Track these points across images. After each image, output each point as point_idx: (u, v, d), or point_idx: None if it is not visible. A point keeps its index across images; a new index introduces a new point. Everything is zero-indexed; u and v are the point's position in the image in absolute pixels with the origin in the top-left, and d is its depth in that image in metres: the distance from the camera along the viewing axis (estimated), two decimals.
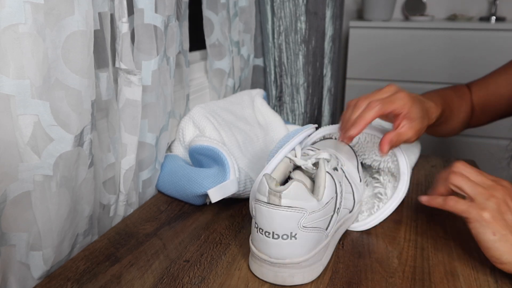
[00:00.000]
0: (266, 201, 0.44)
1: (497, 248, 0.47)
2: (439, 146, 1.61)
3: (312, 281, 0.48)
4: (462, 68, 1.56)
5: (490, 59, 1.50)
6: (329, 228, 0.48)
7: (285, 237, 0.44)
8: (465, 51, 1.56)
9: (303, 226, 0.44)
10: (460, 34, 1.58)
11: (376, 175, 0.67)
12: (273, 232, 0.44)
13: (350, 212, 0.55)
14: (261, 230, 0.45)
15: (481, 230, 0.48)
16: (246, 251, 0.54)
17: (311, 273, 0.47)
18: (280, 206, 0.43)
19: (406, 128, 0.55)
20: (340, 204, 0.50)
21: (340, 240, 0.57)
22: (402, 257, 0.53)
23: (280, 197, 0.43)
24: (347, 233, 0.58)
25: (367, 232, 0.59)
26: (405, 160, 0.61)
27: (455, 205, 0.50)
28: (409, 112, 0.55)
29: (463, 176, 0.51)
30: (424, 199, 0.53)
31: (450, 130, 0.78)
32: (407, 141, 0.56)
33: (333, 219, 0.48)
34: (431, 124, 0.63)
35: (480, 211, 0.48)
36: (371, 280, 0.48)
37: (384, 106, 0.55)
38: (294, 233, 0.44)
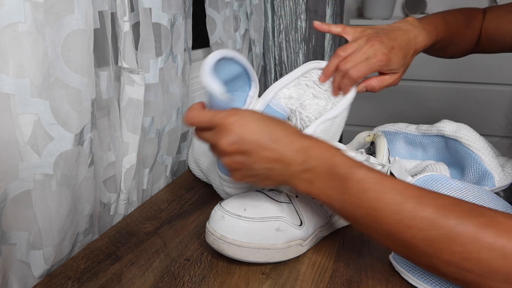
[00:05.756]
0: None
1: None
2: None
3: (313, 280, 0.48)
4: (462, 66, 1.56)
5: (490, 58, 1.50)
6: None
7: None
8: None
9: None
10: None
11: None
12: None
13: None
14: None
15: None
16: None
17: None
18: None
19: (388, 78, 0.62)
20: None
21: (340, 238, 0.57)
22: None
23: None
24: (347, 231, 0.58)
25: None
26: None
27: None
28: (389, 66, 0.60)
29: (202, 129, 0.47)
30: None
31: (450, 55, 0.78)
32: (391, 85, 0.63)
33: None
34: (423, 50, 0.66)
35: (233, 176, 0.46)
36: (371, 278, 0.48)
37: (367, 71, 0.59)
38: None
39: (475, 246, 0.36)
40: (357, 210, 0.41)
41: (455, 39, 0.72)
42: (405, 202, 0.39)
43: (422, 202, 0.39)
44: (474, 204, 0.39)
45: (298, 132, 0.45)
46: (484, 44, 0.76)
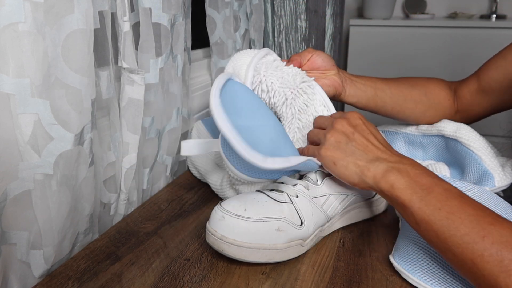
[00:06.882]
0: None
1: (343, 174, 0.50)
2: None
3: (313, 280, 0.48)
4: (462, 66, 1.56)
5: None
6: None
7: None
8: (466, 49, 1.56)
9: None
10: (460, 32, 1.58)
11: None
12: None
13: None
14: None
15: (326, 165, 0.51)
16: None
17: None
18: None
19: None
20: None
21: (340, 238, 0.57)
22: None
23: None
24: (347, 231, 0.58)
25: (368, 230, 0.59)
26: None
27: (309, 151, 0.54)
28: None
29: (315, 128, 0.57)
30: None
31: (399, 117, 0.73)
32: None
33: None
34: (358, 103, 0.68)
35: (320, 150, 0.52)
36: (371, 278, 0.48)
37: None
38: None
39: None
40: (436, 213, 0.42)
41: (388, 104, 0.70)
42: (485, 215, 0.40)
43: (501, 220, 0.40)
44: None
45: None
46: (483, 101, 0.70)
